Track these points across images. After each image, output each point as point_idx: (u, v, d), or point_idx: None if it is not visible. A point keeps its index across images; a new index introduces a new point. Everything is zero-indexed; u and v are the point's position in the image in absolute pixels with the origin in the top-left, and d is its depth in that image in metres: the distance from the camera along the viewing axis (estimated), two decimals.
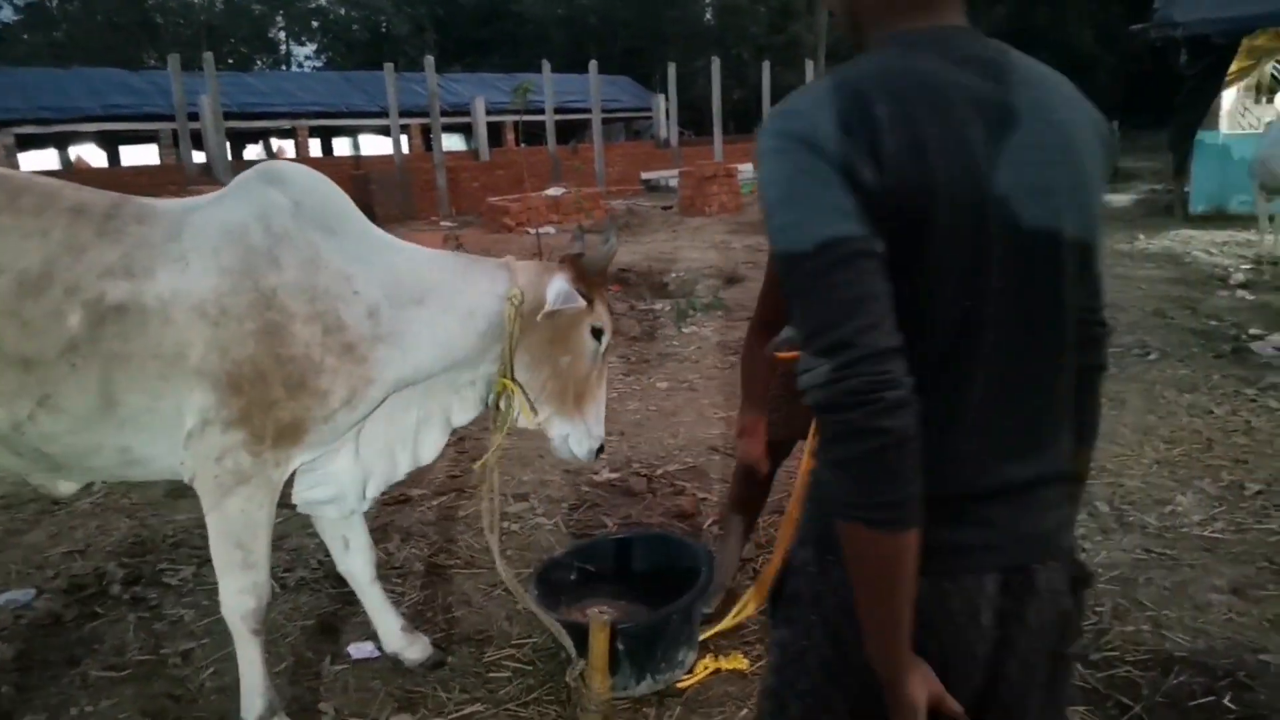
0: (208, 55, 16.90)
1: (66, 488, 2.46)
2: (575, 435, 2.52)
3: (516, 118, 28.02)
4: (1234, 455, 4.31)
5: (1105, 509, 3.75)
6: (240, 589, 2.32)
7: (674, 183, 19.15)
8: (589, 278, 2.47)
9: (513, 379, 2.44)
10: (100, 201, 2.23)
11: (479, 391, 2.55)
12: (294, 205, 2.22)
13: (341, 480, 2.50)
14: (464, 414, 2.59)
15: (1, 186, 2.19)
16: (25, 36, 43.43)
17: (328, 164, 20.19)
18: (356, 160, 21.47)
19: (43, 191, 2.20)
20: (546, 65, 21.12)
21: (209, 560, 3.48)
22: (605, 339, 2.52)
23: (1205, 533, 3.53)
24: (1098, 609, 2.99)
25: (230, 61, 37.58)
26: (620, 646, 2.55)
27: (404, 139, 21.16)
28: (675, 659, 2.62)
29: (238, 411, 2.15)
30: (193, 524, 3.83)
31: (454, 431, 2.65)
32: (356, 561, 2.74)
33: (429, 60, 18.78)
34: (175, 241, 2.17)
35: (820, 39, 29.36)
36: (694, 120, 29.38)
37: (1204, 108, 12.53)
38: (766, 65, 24.23)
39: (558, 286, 2.39)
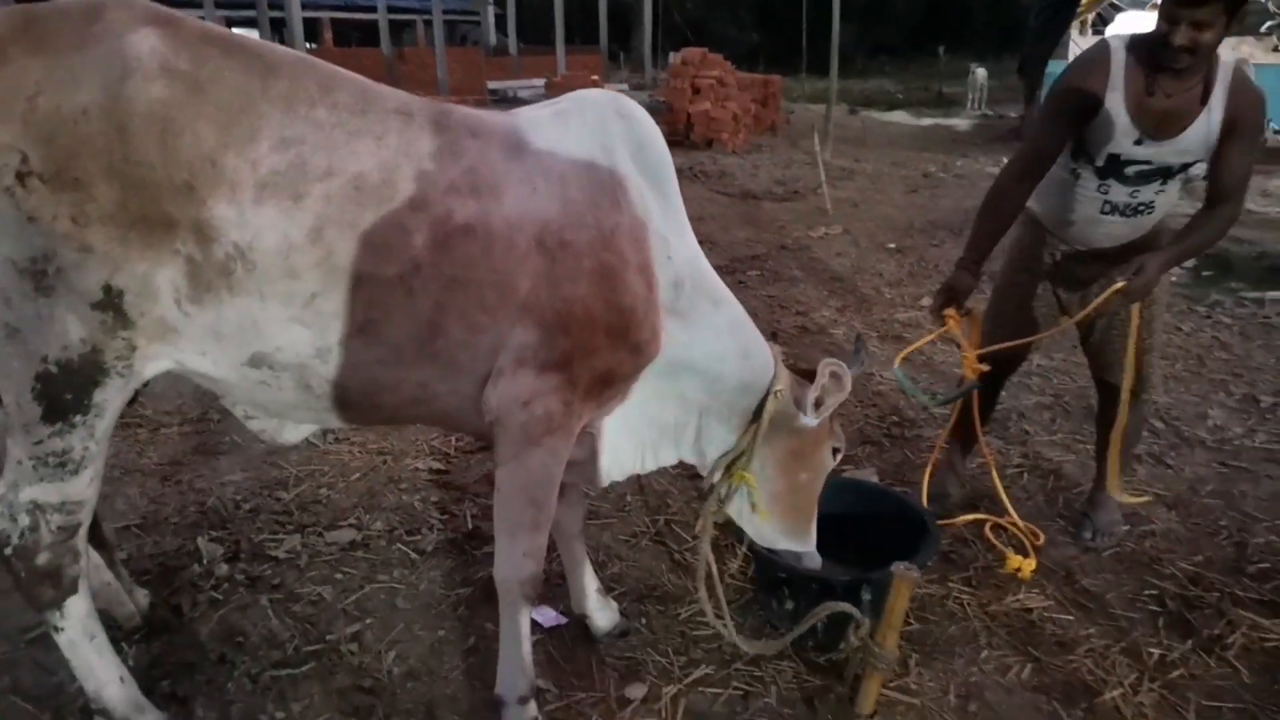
0: None
1: (294, 434, 2.10)
2: (790, 542, 2.44)
3: (333, 14, 25.86)
4: (1227, 370, 4.73)
5: (1161, 426, 4.02)
6: (526, 552, 2.06)
7: (525, 94, 18.37)
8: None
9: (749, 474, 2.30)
10: (422, 107, 1.90)
11: (707, 450, 2.33)
12: (639, 150, 2.02)
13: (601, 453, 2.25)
14: (669, 455, 2.35)
15: (309, 74, 1.78)
16: None
17: None
18: None
19: (356, 88, 1.83)
20: None
21: (307, 526, 3.11)
22: (835, 460, 2.46)
23: (1256, 444, 3.85)
24: (1221, 524, 3.21)
25: None
26: (867, 598, 2.47)
27: None
28: None
29: (559, 355, 1.91)
30: (247, 483, 3.34)
31: None
32: (568, 513, 2.48)
33: None
34: (518, 161, 1.90)
35: None
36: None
37: (1056, 38, 13.39)
38: None
39: (827, 387, 2.22)
